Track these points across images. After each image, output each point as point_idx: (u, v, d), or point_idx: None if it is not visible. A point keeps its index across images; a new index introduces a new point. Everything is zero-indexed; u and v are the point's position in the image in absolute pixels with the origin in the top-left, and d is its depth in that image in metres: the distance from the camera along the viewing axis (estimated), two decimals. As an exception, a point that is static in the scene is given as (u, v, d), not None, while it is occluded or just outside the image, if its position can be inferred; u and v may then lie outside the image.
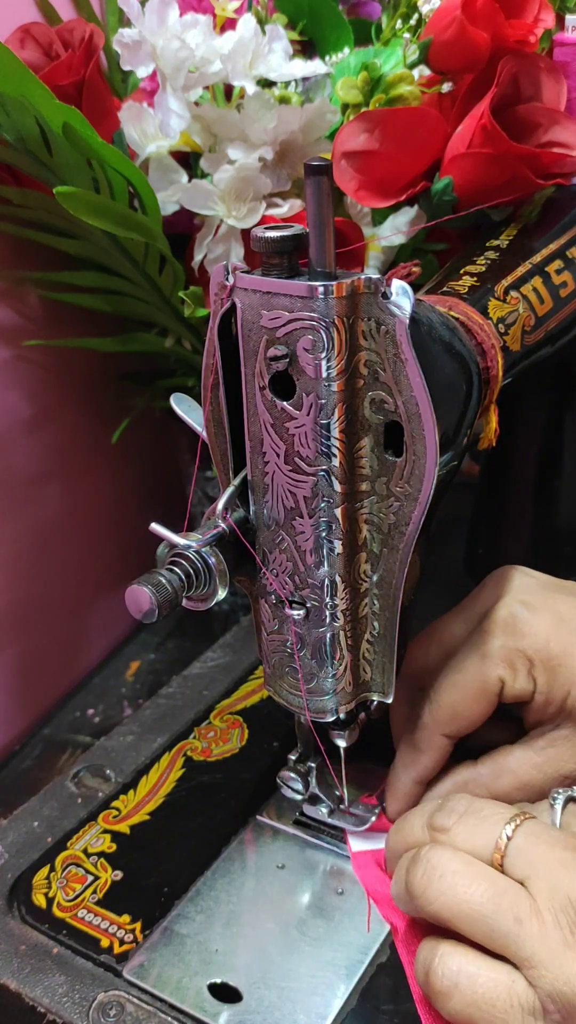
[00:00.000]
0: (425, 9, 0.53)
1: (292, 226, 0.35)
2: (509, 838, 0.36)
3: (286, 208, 0.55)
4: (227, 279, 0.36)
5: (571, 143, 0.50)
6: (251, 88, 0.53)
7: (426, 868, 0.37)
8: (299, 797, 0.47)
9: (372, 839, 0.46)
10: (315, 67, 0.56)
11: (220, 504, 0.38)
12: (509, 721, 0.45)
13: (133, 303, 0.61)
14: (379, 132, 0.50)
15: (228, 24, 0.56)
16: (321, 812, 0.47)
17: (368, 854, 0.46)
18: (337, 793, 0.47)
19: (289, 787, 0.46)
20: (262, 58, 0.54)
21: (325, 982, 0.41)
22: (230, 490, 0.39)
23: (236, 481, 0.39)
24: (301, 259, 0.35)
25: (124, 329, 0.65)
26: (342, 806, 0.47)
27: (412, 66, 0.53)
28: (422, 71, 0.54)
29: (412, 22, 0.54)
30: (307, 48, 0.62)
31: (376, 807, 0.47)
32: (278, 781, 0.47)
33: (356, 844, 0.46)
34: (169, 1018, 0.39)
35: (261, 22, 0.55)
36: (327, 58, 0.59)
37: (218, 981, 0.41)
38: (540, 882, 0.35)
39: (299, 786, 0.46)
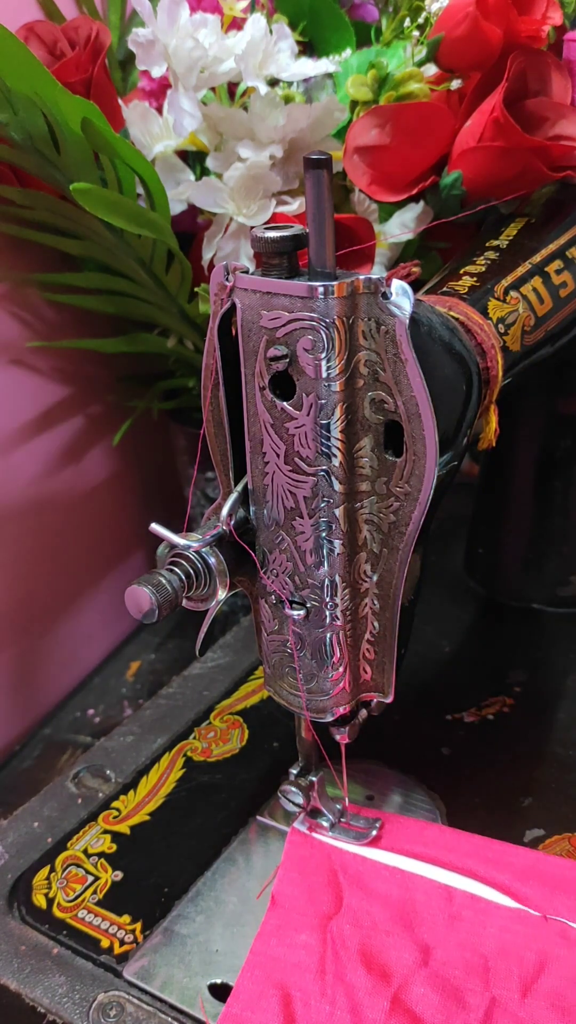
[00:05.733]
0: (434, 8, 0.53)
1: (292, 226, 0.35)
2: None
3: (296, 205, 0.55)
4: (227, 279, 0.36)
5: (579, 136, 0.51)
6: (263, 88, 0.53)
7: None
8: (299, 811, 0.47)
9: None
10: (325, 66, 0.56)
11: (224, 511, 0.38)
12: None
13: (136, 304, 0.61)
14: (390, 127, 0.51)
15: (232, 24, 0.56)
16: (322, 825, 0.47)
17: (306, 838, 0.46)
18: (338, 807, 0.47)
19: (290, 800, 0.46)
20: (272, 58, 0.54)
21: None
22: (234, 496, 0.39)
23: (239, 488, 0.39)
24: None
25: (124, 331, 0.65)
26: (343, 819, 0.47)
27: (419, 65, 0.53)
28: (428, 69, 0.54)
29: (420, 20, 0.54)
30: (307, 49, 0.62)
31: (377, 821, 0.47)
32: (279, 794, 0.47)
33: (299, 825, 0.47)
34: (169, 1018, 0.39)
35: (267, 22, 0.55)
36: (331, 58, 0.60)
37: (218, 981, 0.41)
38: None
39: (300, 800, 0.46)
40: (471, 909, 0.43)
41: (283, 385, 0.36)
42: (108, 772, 0.53)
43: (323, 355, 0.34)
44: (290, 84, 0.57)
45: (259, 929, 0.42)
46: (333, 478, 0.36)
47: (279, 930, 0.42)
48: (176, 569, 0.37)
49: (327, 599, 0.38)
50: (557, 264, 0.49)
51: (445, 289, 0.45)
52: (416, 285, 0.36)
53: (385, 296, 0.34)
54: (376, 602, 0.39)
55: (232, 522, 0.38)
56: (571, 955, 0.40)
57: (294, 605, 0.39)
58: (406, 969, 0.40)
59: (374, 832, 0.46)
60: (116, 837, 0.49)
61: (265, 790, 0.51)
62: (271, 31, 0.54)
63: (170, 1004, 0.40)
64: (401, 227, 0.55)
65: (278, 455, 0.37)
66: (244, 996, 0.39)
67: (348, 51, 0.60)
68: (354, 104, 0.54)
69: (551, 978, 0.39)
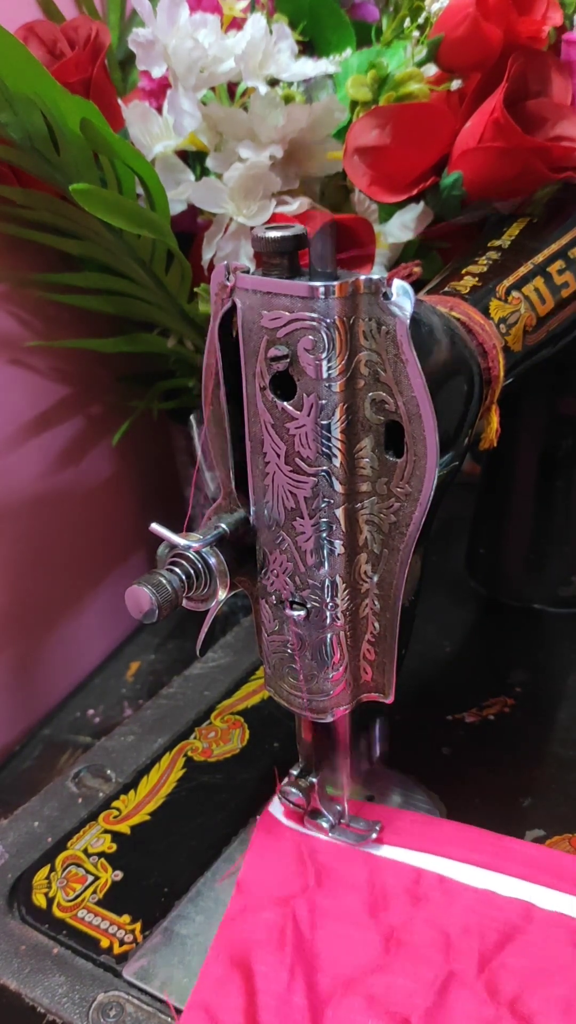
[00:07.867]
0: (434, 8, 0.53)
1: (293, 226, 0.35)
2: None
3: (295, 206, 0.55)
4: (227, 279, 0.36)
5: (579, 137, 0.51)
6: (263, 88, 0.53)
7: None
8: (299, 811, 0.47)
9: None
10: (325, 67, 0.56)
11: (199, 543, 0.38)
12: None
13: (136, 304, 0.60)
14: (390, 127, 0.50)
15: (232, 24, 0.56)
16: (322, 826, 0.47)
17: (279, 825, 0.47)
18: (338, 808, 0.47)
19: (290, 801, 0.46)
20: (272, 58, 0.54)
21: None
22: (215, 533, 0.39)
23: (222, 523, 0.39)
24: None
25: (124, 331, 0.65)
26: (343, 820, 0.47)
27: (419, 65, 0.53)
28: (428, 70, 0.54)
29: (420, 20, 0.54)
30: (307, 49, 0.62)
31: (377, 823, 0.47)
32: (279, 795, 0.47)
33: (275, 809, 0.47)
34: (169, 1019, 0.39)
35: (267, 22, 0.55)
36: (331, 58, 0.59)
37: (218, 982, 0.41)
38: None
39: (300, 799, 0.46)
40: (438, 890, 0.43)
41: (284, 385, 0.36)
42: (108, 772, 0.53)
43: (324, 355, 0.34)
44: (290, 84, 0.57)
45: (223, 916, 0.42)
46: (334, 478, 0.36)
47: (242, 913, 0.42)
48: (176, 569, 0.37)
49: (327, 599, 0.38)
50: (559, 264, 0.49)
51: (446, 289, 0.45)
52: (417, 285, 0.35)
53: (386, 296, 0.34)
54: (377, 602, 0.39)
55: (203, 548, 0.38)
56: (533, 932, 0.41)
57: (294, 605, 0.39)
58: (367, 960, 0.40)
59: (374, 834, 0.46)
60: (116, 837, 0.49)
61: (265, 790, 0.51)
62: (271, 31, 0.54)
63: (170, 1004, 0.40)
64: (401, 228, 0.55)
65: (278, 455, 0.37)
66: (208, 982, 0.39)
67: (348, 51, 0.60)
68: (354, 104, 0.54)
69: (511, 954, 0.40)
